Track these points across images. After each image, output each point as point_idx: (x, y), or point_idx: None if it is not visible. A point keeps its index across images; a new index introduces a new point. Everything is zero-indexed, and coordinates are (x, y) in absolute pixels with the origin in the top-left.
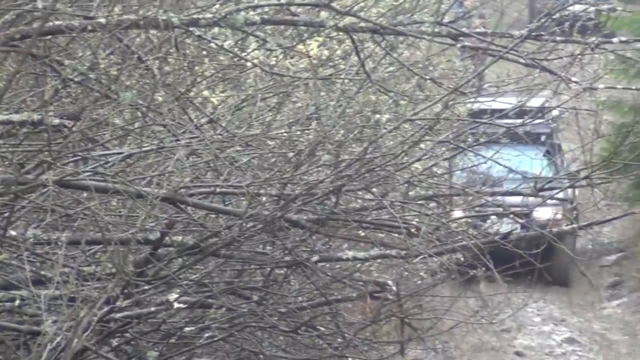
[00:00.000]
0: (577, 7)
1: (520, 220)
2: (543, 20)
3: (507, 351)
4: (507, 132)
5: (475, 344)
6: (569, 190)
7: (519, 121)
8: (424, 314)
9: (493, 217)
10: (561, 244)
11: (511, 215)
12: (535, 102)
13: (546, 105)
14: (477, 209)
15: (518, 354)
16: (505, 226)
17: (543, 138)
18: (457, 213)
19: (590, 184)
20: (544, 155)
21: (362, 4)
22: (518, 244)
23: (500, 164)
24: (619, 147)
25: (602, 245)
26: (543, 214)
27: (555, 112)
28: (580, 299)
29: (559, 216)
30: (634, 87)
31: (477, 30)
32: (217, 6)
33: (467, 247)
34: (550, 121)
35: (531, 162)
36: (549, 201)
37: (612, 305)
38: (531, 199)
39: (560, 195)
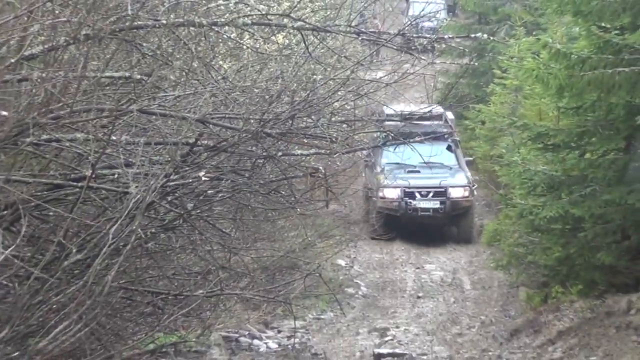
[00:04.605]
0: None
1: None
2: (407, 26)
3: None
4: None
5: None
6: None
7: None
8: (339, 184)
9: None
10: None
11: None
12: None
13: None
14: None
15: None
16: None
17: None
18: None
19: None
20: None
21: (305, 12)
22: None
23: (383, 104)
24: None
25: None
26: (455, 193)
27: (450, 115)
28: None
29: (467, 193)
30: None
31: (370, 29)
32: (226, 15)
33: (366, 149)
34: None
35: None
36: (458, 181)
37: None
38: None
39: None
